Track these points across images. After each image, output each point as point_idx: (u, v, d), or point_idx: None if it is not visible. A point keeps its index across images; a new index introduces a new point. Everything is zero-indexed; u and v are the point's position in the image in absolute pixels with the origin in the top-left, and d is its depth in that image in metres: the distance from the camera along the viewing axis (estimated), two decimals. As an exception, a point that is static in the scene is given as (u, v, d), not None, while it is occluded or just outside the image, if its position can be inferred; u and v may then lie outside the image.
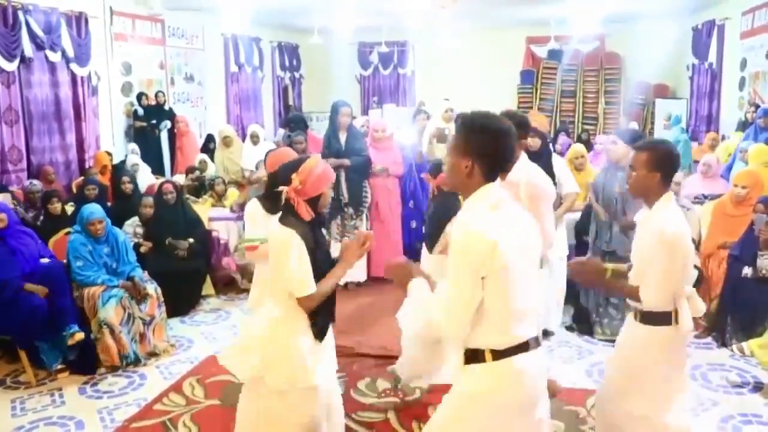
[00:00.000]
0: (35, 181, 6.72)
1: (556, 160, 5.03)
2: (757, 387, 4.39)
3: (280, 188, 2.81)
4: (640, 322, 2.90)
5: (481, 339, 2.25)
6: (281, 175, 2.86)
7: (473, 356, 2.28)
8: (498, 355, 2.25)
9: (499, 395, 2.28)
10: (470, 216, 2.24)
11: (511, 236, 2.20)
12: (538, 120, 5.08)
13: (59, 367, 4.74)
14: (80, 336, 4.66)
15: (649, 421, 2.88)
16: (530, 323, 2.32)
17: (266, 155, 4.41)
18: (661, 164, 2.85)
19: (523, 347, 2.27)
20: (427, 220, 4.22)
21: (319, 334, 2.88)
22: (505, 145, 2.27)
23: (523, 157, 3.80)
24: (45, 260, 4.94)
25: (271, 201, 3.61)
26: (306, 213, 2.79)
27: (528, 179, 3.70)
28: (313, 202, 2.83)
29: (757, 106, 8.50)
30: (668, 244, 2.74)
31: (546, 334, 5.01)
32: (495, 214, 2.23)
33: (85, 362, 4.79)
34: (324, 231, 6.54)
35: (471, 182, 2.27)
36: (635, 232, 3.03)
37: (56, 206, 5.84)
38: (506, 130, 2.27)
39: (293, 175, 2.79)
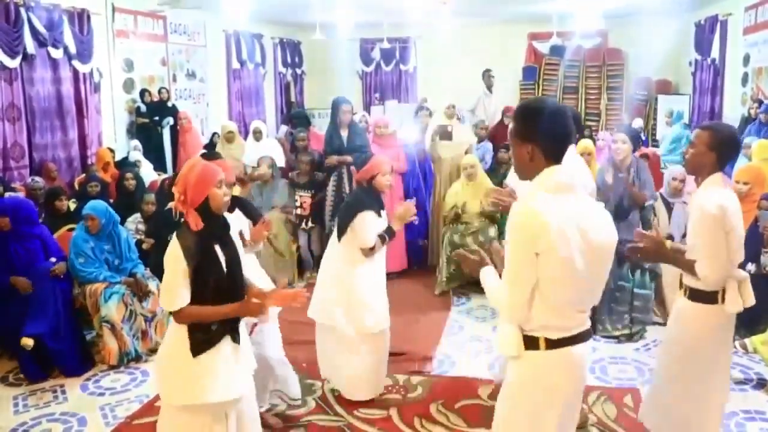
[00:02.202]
0: (37, 178, 6.71)
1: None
2: (761, 384, 4.39)
3: (169, 205, 2.73)
4: (687, 298, 3.00)
5: (537, 326, 2.26)
6: (167, 193, 2.79)
7: (527, 343, 2.28)
8: (552, 344, 2.26)
9: (553, 384, 2.30)
10: (530, 196, 2.25)
11: (571, 222, 2.18)
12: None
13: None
14: (26, 342, 4.54)
15: (695, 401, 3.01)
16: (586, 315, 2.35)
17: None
18: (719, 145, 2.95)
19: (577, 338, 2.30)
20: (340, 209, 4.36)
21: (196, 348, 2.69)
22: (561, 124, 2.28)
23: None
24: (53, 260, 4.95)
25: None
26: (194, 223, 2.66)
27: None
28: (205, 207, 2.69)
29: (760, 102, 8.47)
30: (710, 218, 2.84)
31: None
32: (557, 198, 2.22)
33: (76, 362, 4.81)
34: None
35: (534, 166, 2.29)
36: (685, 213, 3.12)
37: (63, 203, 5.77)
38: (561, 109, 2.32)
39: (173, 189, 2.70)
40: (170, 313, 2.70)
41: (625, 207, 5.01)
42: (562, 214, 2.17)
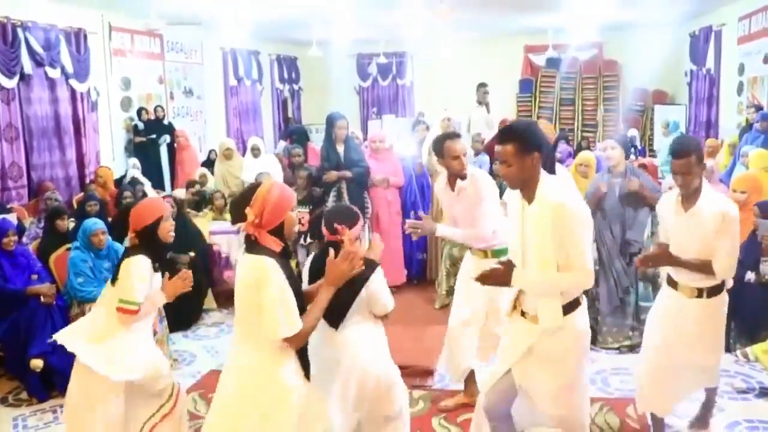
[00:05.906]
0: (56, 195, 6.77)
1: (558, 169, 5.01)
2: (763, 392, 4.37)
3: (237, 226, 2.54)
4: (707, 297, 3.34)
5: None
6: (236, 211, 2.59)
7: (572, 305, 2.80)
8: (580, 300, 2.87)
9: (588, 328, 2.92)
10: (567, 191, 2.76)
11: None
12: (545, 130, 5.05)
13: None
14: (36, 364, 4.53)
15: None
16: None
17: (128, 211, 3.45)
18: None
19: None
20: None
21: (308, 372, 2.66)
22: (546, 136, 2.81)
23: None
24: (34, 277, 4.93)
25: (153, 255, 3.33)
26: (274, 243, 2.53)
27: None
28: (278, 231, 2.56)
29: (757, 108, 8.47)
30: (735, 221, 3.19)
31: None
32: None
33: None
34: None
35: (535, 174, 2.72)
36: (682, 222, 3.34)
37: (64, 222, 5.66)
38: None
39: (247, 210, 2.52)
40: (284, 339, 2.49)
41: (622, 210, 5.02)
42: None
